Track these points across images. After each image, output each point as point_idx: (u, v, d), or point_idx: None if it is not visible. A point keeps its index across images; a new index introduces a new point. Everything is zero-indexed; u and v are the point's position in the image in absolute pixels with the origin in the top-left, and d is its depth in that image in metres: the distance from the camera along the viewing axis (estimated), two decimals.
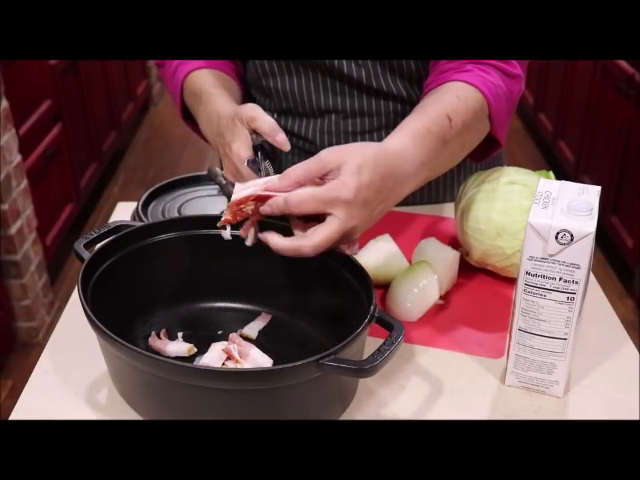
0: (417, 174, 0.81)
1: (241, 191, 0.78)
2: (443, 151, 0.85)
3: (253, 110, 0.88)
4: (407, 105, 1.10)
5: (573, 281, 0.75)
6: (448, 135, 0.84)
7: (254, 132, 0.88)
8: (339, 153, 0.75)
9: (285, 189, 0.75)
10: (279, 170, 0.83)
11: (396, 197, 0.80)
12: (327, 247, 0.75)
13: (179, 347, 0.86)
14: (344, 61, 1.05)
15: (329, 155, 0.75)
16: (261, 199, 0.77)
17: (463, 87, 0.90)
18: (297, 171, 0.75)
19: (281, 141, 0.86)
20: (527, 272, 0.77)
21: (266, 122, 0.86)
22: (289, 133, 1.15)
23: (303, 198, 0.74)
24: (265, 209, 0.76)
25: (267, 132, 0.86)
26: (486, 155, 0.99)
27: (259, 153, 0.87)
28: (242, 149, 0.87)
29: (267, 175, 0.84)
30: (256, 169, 0.86)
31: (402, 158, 0.79)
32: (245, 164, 0.86)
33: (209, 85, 0.99)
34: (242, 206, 0.78)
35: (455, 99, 0.88)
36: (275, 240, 0.76)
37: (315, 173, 0.75)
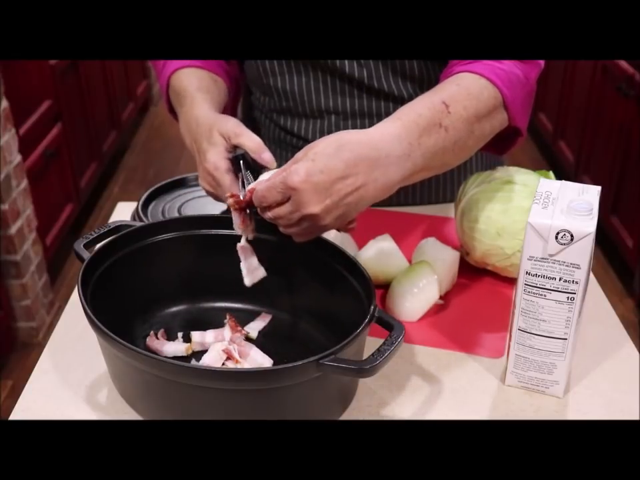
0: (406, 157, 0.78)
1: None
2: (441, 137, 0.81)
3: (237, 126, 0.87)
4: None
5: (573, 280, 0.75)
6: (446, 120, 0.82)
7: (235, 146, 0.87)
8: (308, 145, 0.77)
9: None
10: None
11: (377, 183, 0.77)
12: (277, 221, 0.78)
13: (176, 347, 0.86)
14: (346, 61, 1.05)
15: (301, 151, 0.77)
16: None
17: (465, 76, 0.88)
18: (278, 173, 0.78)
19: (268, 159, 0.85)
20: (527, 272, 0.77)
21: (252, 140, 0.86)
22: (289, 132, 1.15)
23: (262, 189, 0.77)
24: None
25: (253, 149, 0.85)
26: (508, 146, 0.96)
27: (241, 163, 0.86)
28: (218, 158, 0.86)
29: (249, 184, 0.84)
30: (239, 180, 0.86)
31: (383, 140, 0.77)
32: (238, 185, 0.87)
33: (192, 87, 0.98)
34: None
35: (455, 86, 0.86)
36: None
37: None
